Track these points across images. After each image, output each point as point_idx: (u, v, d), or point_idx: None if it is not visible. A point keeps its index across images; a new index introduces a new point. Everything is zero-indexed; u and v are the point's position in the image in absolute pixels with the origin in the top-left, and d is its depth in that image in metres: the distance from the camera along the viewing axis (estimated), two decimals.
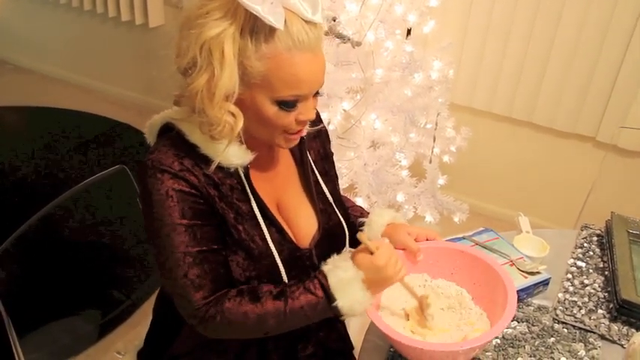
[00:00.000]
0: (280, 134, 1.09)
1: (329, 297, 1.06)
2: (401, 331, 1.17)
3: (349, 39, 2.03)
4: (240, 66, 1.00)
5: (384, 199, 2.33)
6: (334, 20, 2.01)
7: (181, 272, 1.06)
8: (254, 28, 0.98)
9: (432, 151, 2.45)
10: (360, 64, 2.13)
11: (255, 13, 0.95)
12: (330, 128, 2.10)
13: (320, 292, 1.07)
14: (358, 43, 2.05)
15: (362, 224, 1.32)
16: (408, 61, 2.26)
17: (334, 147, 1.69)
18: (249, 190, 1.12)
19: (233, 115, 1.03)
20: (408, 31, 2.38)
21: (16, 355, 1.35)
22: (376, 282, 1.09)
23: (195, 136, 1.08)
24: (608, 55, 2.54)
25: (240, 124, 1.04)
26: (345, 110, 2.14)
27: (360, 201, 2.26)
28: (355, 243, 1.30)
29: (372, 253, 1.10)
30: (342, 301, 1.06)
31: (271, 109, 1.04)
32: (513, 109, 2.84)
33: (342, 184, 2.19)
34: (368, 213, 1.38)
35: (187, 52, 1.01)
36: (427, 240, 1.31)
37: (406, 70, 2.27)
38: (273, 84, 1.01)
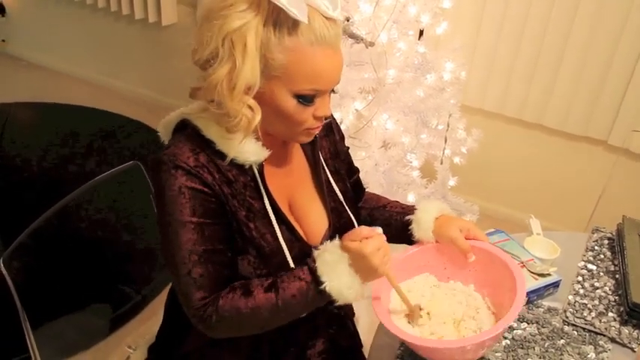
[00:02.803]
0: (301, 131, 1.10)
1: (316, 280, 1.06)
2: (410, 327, 1.19)
3: (362, 39, 2.03)
4: (262, 58, 1.01)
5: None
6: (348, 20, 2.02)
7: (185, 270, 1.07)
8: (277, 20, 0.99)
9: (443, 153, 2.45)
10: (372, 65, 2.13)
11: (280, 5, 0.96)
12: (342, 128, 2.11)
13: (308, 277, 1.07)
14: (371, 44, 2.05)
15: (408, 222, 1.30)
16: (420, 62, 2.27)
17: None
18: (262, 188, 1.13)
19: (251, 108, 1.04)
20: (421, 32, 2.39)
21: (30, 349, 1.37)
22: (362, 269, 1.08)
23: (211, 131, 1.09)
24: (621, 58, 2.53)
25: (258, 118, 1.04)
26: (357, 110, 2.15)
27: None
28: None
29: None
30: (330, 284, 1.05)
31: (291, 103, 1.05)
32: (525, 112, 2.83)
33: None
34: (411, 207, 1.34)
35: (209, 44, 1.02)
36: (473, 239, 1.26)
37: (418, 71, 2.27)
38: (294, 77, 1.02)
